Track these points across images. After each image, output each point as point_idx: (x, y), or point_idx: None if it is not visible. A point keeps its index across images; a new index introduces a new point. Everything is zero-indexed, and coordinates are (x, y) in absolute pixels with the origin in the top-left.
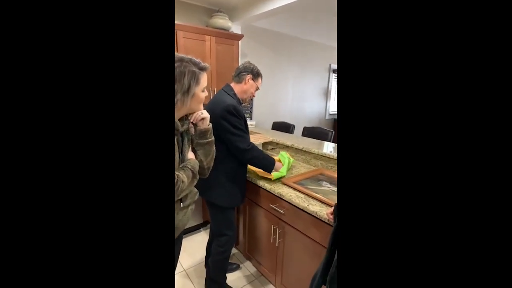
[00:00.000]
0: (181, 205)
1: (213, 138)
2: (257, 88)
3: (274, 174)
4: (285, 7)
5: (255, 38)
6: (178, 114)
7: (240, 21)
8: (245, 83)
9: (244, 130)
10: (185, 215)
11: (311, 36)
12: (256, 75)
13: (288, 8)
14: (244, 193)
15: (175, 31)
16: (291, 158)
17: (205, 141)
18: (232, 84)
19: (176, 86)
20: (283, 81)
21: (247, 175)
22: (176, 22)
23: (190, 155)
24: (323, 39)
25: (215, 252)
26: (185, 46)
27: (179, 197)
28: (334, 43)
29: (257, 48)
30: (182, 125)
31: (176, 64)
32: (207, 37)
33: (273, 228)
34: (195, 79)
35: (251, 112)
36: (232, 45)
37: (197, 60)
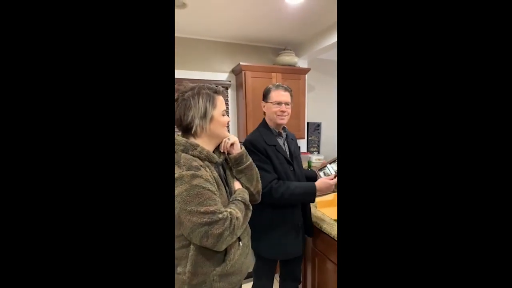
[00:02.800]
0: (240, 244)
1: (250, 160)
2: (278, 103)
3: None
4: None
5: (322, 70)
6: (202, 142)
7: (306, 56)
8: (264, 110)
9: (264, 167)
10: (247, 256)
11: None
12: (264, 96)
13: None
14: (296, 244)
15: (243, 71)
16: None
17: (242, 166)
18: (265, 117)
19: (192, 112)
20: None
21: (303, 218)
22: (245, 63)
23: (237, 185)
24: None
25: None
26: (252, 85)
27: (238, 236)
28: None
29: (325, 80)
30: (219, 157)
31: (188, 93)
32: (274, 74)
33: None
34: (211, 101)
35: (318, 146)
36: (299, 80)
37: (212, 85)
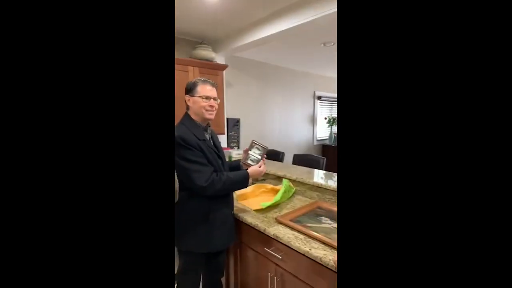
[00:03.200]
0: None
1: None
2: (207, 97)
3: (263, 204)
4: (265, 39)
5: (239, 68)
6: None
7: (223, 52)
8: (189, 105)
9: (200, 162)
10: None
11: (295, 65)
12: (189, 90)
13: (269, 40)
14: (229, 234)
15: None
16: (292, 187)
17: None
18: (189, 112)
19: None
20: (270, 109)
21: (232, 211)
22: None
23: None
24: (306, 67)
25: None
26: None
27: None
28: (317, 71)
29: (242, 78)
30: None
31: None
32: (190, 68)
33: (270, 277)
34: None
35: (238, 141)
36: (216, 75)
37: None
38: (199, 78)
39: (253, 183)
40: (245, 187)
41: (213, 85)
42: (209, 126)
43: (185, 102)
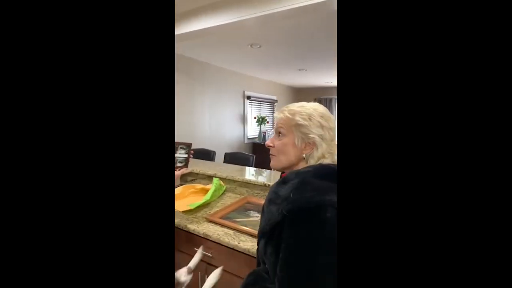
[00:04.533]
0: None
1: None
2: None
3: (191, 205)
4: (198, 32)
5: None
6: None
7: None
8: None
9: None
10: None
11: (224, 63)
12: None
13: (201, 34)
14: None
15: None
16: (223, 184)
17: None
18: None
19: None
20: (199, 107)
21: None
22: None
23: None
24: (235, 67)
25: None
26: None
27: None
28: (246, 72)
29: None
30: None
31: None
32: None
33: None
34: None
35: None
36: None
37: None
38: None
39: (181, 184)
40: None
41: None
42: None
43: None
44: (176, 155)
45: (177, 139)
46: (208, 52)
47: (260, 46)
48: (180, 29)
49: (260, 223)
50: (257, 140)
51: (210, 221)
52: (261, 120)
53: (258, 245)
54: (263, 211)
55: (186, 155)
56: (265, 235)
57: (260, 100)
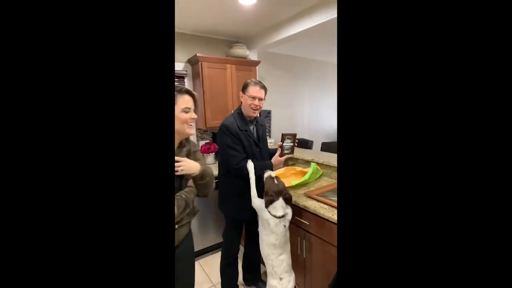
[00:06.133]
0: (175, 227)
1: (207, 180)
2: (253, 97)
3: (293, 182)
4: (297, 35)
5: (271, 63)
6: None
7: (256, 49)
8: (241, 100)
9: (236, 148)
10: (178, 232)
11: (323, 57)
12: (243, 88)
13: (299, 36)
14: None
15: (200, 62)
16: (319, 169)
17: (203, 181)
18: (241, 106)
19: None
20: (299, 100)
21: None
22: (200, 54)
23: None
24: (334, 58)
25: (221, 258)
26: (209, 75)
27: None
28: None
29: (274, 72)
30: (179, 153)
31: None
32: (228, 66)
33: (300, 241)
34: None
35: (269, 131)
36: (250, 71)
37: (179, 86)
38: (252, 79)
39: (283, 167)
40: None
41: (262, 87)
42: (256, 119)
43: (240, 97)
44: (284, 144)
45: (283, 131)
46: (308, 48)
47: None
48: (283, 34)
49: None
50: None
51: (309, 197)
52: None
53: None
54: None
55: (292, 144)
56: None
57: None
